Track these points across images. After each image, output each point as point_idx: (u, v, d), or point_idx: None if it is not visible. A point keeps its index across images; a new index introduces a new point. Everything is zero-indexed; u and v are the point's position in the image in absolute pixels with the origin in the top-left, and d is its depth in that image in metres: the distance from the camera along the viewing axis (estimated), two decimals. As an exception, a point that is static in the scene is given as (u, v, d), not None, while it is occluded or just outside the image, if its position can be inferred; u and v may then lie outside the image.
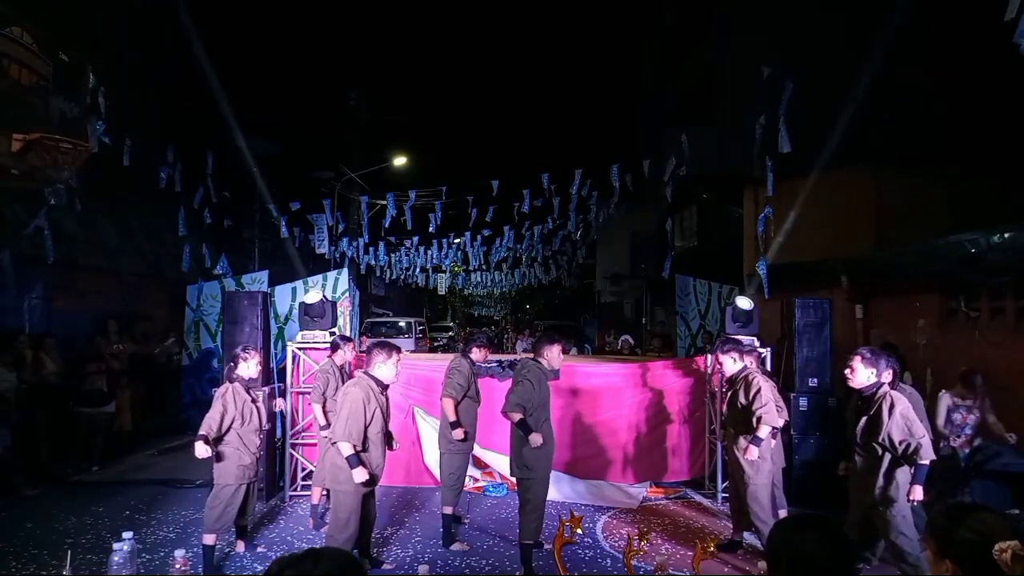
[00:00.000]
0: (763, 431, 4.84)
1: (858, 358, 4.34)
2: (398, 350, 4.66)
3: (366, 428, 4.37)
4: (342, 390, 4.67)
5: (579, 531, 4.16)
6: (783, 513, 5.38)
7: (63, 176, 9.31)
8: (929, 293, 7.72)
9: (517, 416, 4.68)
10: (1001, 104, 8.47)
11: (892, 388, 4.32)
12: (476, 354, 5.83)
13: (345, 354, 6.10)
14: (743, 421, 5.03)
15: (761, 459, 4.91)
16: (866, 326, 8.78)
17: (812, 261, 9.32)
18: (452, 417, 5.42)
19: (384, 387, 4.58)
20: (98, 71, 8.00)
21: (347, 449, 4.28)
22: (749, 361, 5.35)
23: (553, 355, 4.92)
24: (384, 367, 4.53)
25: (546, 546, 5.02)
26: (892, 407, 4.10)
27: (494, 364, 7.09)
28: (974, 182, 8.64)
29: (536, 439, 4.63)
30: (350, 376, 5.78)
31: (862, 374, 4.30)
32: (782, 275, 8.56)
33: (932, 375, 7.21)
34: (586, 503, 6.51)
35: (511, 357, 7.61)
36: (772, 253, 8.37)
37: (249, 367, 4.99)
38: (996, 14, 4.03)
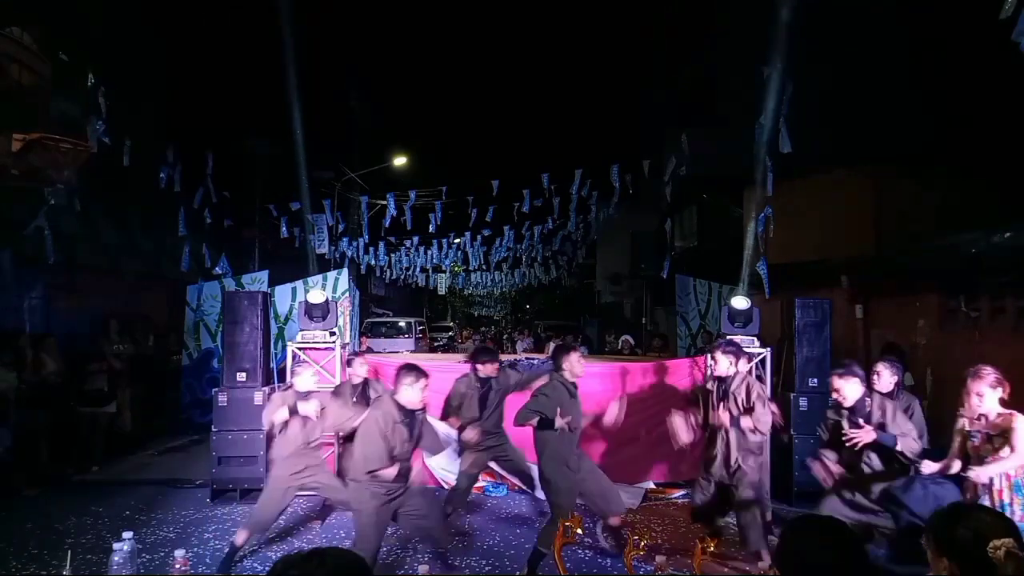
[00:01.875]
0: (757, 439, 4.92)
1: (887, 366, 4.65)
2: (426, 376, 4.31)
3: (388, 450, 4.17)
4: (363, 418, 4.50)
5: (579, 531, 4.16)
6: (768, 514, 5.39)
7: (63, 176, 9.29)
8: (929, 293, 7.72)
9: (533, 423, 4.62)
10: (1001, 104, 8.48)
11: (893, 395, 4.53)
12: (485, 370, 5.62)
13: (360, 369, 5.98)
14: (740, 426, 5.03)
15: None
16: (866, 326, 8.78)
17: (812, 261, 9.33)
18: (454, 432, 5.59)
19: (407, 413, 4.25)
20: (98, 71, 7.99)
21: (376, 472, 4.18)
22: (743, 365, 5.31)
23: (573, 362, 4.82)
24: (410, 391, 4.21)
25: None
26: (894, 412, 4.21)
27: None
28: (974, 182, 8.65)
29: (561, 422, 4.54)
30: (363, 392, 5.86)
31: (888, 378, 4.58)
32: (782, 275, 8.56)
33: (932, 375, 7.22)
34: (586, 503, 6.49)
35: (511, 357, 7.61)
36: (772, 253, 8.37)
37: (305, 381, 5.03)
38: (994, 13, 4.03)
